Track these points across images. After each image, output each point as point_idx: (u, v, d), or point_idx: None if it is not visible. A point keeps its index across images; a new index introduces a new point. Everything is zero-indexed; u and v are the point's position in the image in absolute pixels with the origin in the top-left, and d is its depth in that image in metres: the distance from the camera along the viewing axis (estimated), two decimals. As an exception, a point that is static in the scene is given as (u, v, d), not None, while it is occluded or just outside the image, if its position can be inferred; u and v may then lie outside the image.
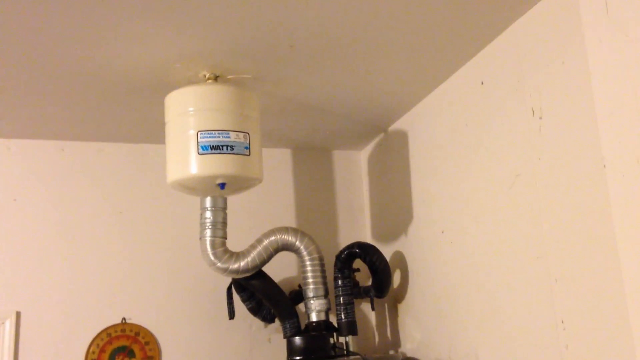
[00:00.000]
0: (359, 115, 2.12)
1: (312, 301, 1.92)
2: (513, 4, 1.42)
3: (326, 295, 1.93)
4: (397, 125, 2.19)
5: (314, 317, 1.92)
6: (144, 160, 2.23)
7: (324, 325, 1.92)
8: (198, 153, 1.60)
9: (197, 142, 1.60)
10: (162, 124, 1.73)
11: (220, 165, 1.61)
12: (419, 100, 2.01)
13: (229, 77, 1.71)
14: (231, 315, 2.04)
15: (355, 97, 1.95)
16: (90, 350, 2.04)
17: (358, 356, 1.93)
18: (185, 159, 1.61)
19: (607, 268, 1.20)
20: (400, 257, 2.14)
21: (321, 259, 1.95)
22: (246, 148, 1.64)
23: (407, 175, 2.09)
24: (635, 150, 1.13)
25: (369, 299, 2.09)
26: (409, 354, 2.08)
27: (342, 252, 2.04)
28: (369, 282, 2.10)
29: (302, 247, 1.93)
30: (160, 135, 1.77)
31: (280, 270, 2.17)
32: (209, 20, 1.41)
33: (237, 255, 1.85)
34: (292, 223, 2.34)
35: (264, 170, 1.74)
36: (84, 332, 2.05)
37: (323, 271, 1.95)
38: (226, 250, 1.82)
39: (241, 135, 1.63)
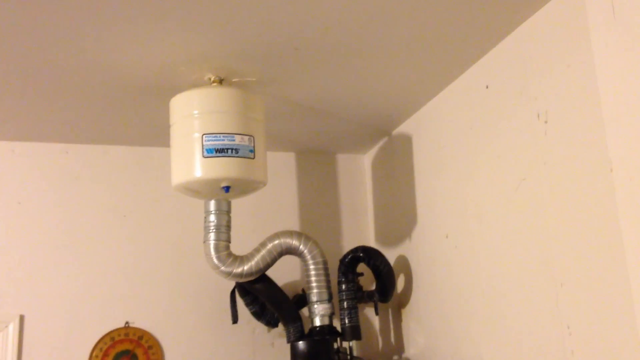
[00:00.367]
0: (363, 119, 2.11)
1: (315, 305, 1.91)
2: (518, 8, 1.42)
3: (330, 299, 1.93)
4: (402, 128, 2.18)
5: (317, 322, 1.91)
6: (148, 163, 2.23)
7: (328, 330, 1.91)
8: (203, 156, 1.59)
9: (202, 144, 1.60)
10: (166, 127, 1.73)
11: (225, 168, 1.60)
12: (423, 104, 2.00)
13: (233, 80, 1.71)
14: (234, 319, 2.03)
15: (359, 100, 1.94)
16: (94, 354, 2.04)
17: (362, 361, 1.93)
18: (190, 162, 1.61)
19: (614, 273, 1.20)
20: (404, 262, 2.14)
21: (325, 263, 1.94)
22: (251, 151, 1.64)
23: (411, 179, 2.09)
24: (642, 154, 1.12)
25: (372, 303, 2.08)
26: (412, 359, 2.07)
27: (346, 256, 2.04)
28: (373, 287, 2.09)
29: (306, 251, 1.92)
30: (165, 138, 1.77)
31: (284, 274, 2.16)
32: (214, 23, 1.41)
33: (241, 259, 1.85)
34: (295, 227, 2.33)
35: (268, 173, 1.74)
36: (87, 336, 2.05)
37: (327, 275, 1.94)
38: (230, 254, 1.82)
39: (246, 138, 1.63)
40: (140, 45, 1.50)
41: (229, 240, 1.81)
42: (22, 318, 2.01)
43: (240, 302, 2.06)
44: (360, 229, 2.42)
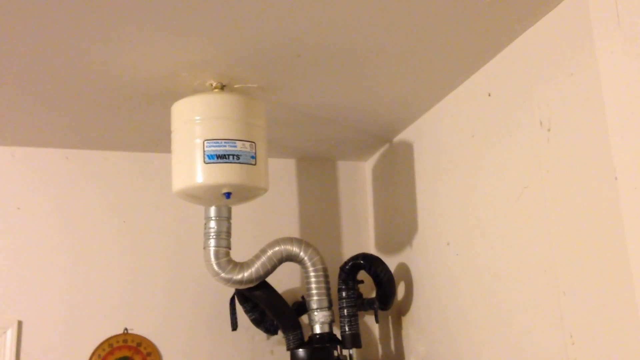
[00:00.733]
0: (365, 126, 2.11)
1: (315, 313, 1.91)
2: (522, 15, 1.42)
3: (330, 307, 1.92)
4: (403, 136, 2.18)
5: (317, 329, 1.91)
6: (148, 169, 2.23)
7: (328, 338, 1.90)
8: (204, 162, 1.59)
9: (204, 151, 1.59)
10: (167, 133, 1.72)
11: (226, 174, 1.60)
12: (425, 111, 2.00)
13: (235, 86, 1.71)
14: (234, 326, 2.02)
15: (361, 107, 1.94)
16: (92, 360, 2.03)
17: (362, 369, 1.92)
18: (191, 168, 1.61)
19: (617, 281, 1.19)
20: (404, 269, 2.13)
21: (325, 270, 1.94)
22: (252, 157, 1.63)
23: (412, 186, 2.08)
24: (646, 163, 1.12)
25: (373, 311, 2.07)
26: (413, 367, 2.07)
27: (346, 263, 2.03)
28: (373, 294, 2.09)
29: (306, 258, 1.91)
30: (166, 144, 1.77)
31: (283, 281, 2.16)
32: (215, 29, 1.41)
33: (241, 266, 1.84)
34: (296, 233, 2.33)
35: (269, 180, 1.73)
36: (85, 342, 2.04)
37: (327, 282, 1.94)
38: (230, 261, 1.81)
39: (247, 144, 1.63)
40: (142, 50, 1.50)
41: (229, 247, 1.81)
42: (20, 324, 2.00)
43: (239, 309, 2.05)
44: (360, 236, 2.42)
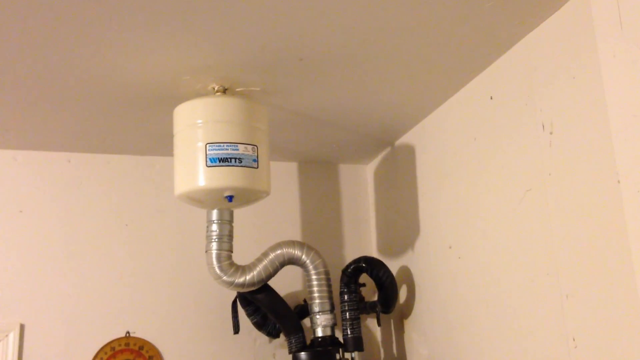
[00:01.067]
0: (366, 129, 2.11)
1: (317, 316, 1.90)
2: (524, 18, 1.42)
3: (332, 310, 1.92)
4: (405, 139, 2.18)
5: (319, 333, 1.90)
6: (150, 172, 2.23)
7: (330, 341, 1.90)
8: (206, 165, 1.59)
9: (206, 154, 1.59)
10: (169, 136, 1.72)
11: (228, 177, 1.60)
12: (426, 114, 2.00)
13: (237, 89, 1.71)
14: (236, 329, 2.02)
15: (362, 110, 1.94)
16: (94, 363, 2.03)
17: (364, 372, 1.91)
18: (193, 171, 1.61)
19: (620, 284, 1.19)
20: (406, 272, 2.13)
21: (327, 273, 1.93)
22: (254, 161, 1.63)
23: (414, 189, 2.08)
24: (649, 166, 1.12)
25: (375, 314, 2.07)
26: (415, 371, 2.06)
27: (348, 266, 2.03)
28: (375, 297, 2.08)
29: (308, 261, 1.91)
30: (168, 148, 1.77)
31: (285, 284, 2.16)
32: (218, 33, 1.41)
33: (243, 269, 1.84)
34: (298, 237, 2.33)
35: (271, 183, 1.73)
36: (87, 345, 2.03)
37: (329, 286, 1.93)
38: (232, 264, 1.81)
39: (250, 147, 1.63)
40: (144, 54, 1.50)
41: (231, 250, 1.80)
42: (22, 327, 1.99)
43: (241, 312, 2.05)
44: (362, 240, 2.41)
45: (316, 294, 1.91)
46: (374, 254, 2.37)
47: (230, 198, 1.64)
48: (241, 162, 1.61)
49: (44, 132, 2.00)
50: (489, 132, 1.66)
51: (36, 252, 2.07)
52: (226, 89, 1.69)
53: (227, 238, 1.79)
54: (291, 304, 2.08)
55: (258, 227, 2.26)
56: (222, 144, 1.60)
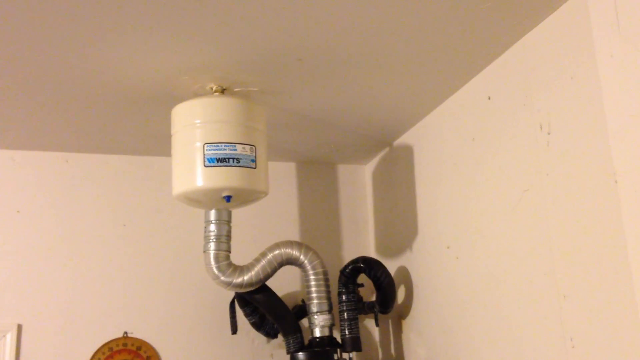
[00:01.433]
0: (365, 129, 2.11)
1: (315, 316, 1.90)
2: (522, 19, 1.42)
3: (330, 310, 1.92)
4: (403, 139, 2.18)
5: (317, 333, 1.90)
6: (148, 172, 2.23)
7: (328, 341, 1.90)
8: (204, 165, 1.59)
9: (204, 154, 1.59)
10: (167, 136, 1.72)
11: (226, 177, 1.60)
12: (425, 115, 2.00)
13: (235, 89, 1.71)
14: (234, 329, 2.02)
15: (361, 111, 1.94)
16: (91, 364, 2.03)
17: (362, 373, 1.91)
18: (191, 171, 1.61)
19: (618, 285, 1.19)
20: (404, 273, 2.13)
21: (325, 273, 1.94)
22: (252, 161, 1.63)
23: (412, 190, 2.08)
24: (646, 166, 1.12)
25: (373, 314, 2.07)
26: (413, 371, 2.06)
27: (346, 266, 2.03)
28: (373, 298, 2.08)
29: (306, 262, 1.91)
30: (166, 148, 1.77)
31: (284, 284, 2.16)
32: (216, 32, 1.41)
33: (241, 269, 1.84)
34: (296, 237, 2.33)
35: (269, 183, 1.73)
36: (85, 346, 2.03)
37: (327, 286, 1.94)
38: (230, 264, 1.81)
39: (248, 148, 1.63)
40: (142, 54, 1.50)
41: (229, 250, 1.80)
42: (19, 327, 1.99)
43: (239, 312, 2.05)
44: (360, 240, 2.41)
45: (314, 294, 1.91)
46: (372, 254, 2.37)
47: (228, 198, 1.64)
48: (239, 162, 1.61)
49: (42, 133, 1.99)
50: (487, 132, 1.67)
51: (34, 252, 2.06)
52: (224, 89, 1.69)
53: (225, 238, 1.78)
54: (289, 304, 2.08)
55: (256, 227, 2.26)
56: (220, 144, 1.60)
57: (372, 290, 2.09)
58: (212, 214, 1.77)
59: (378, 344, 2.30)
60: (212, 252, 1.78)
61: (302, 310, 2.05)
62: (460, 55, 1.58)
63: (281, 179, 2.37)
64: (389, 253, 2.27)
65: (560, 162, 1.37)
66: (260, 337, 2.16)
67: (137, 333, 2.09)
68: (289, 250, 1.90)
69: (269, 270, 1.87)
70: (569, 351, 1.32)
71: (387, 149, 2.31)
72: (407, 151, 2.13)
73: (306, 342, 1.94)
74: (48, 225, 2.10)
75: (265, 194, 1.72)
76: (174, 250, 2.19)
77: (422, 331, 2.01)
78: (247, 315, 2.05)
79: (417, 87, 1.78)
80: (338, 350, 1.94)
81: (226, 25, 1.38)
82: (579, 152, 1.31)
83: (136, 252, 2.16)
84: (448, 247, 1.85)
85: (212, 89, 1.68)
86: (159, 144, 2.07)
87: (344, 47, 1.51)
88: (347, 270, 2.01)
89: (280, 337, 2.08)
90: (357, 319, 1.99)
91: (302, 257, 1.91)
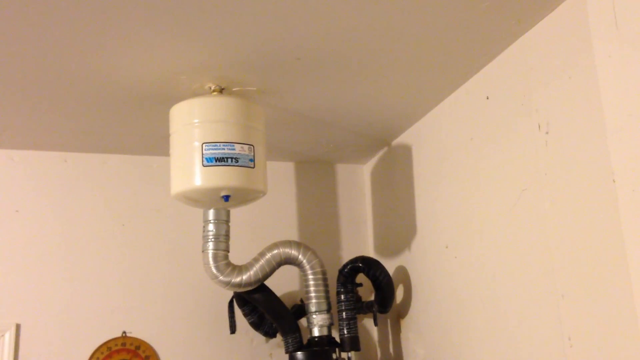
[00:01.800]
0: (363, 129, 2.11)
1: (314, 316, 1.90)
2: (520, 19, 1.42)
3: (329, 310, 1.92)
4: (401, 139, 2.18)
5: (316, 332, 1.90)
6: (147, 172, 2.23)
7: (327, 341, 1.90)
8: (203, 165, 1.59)
9: (202, 153, 1.59)
10: (166, 136, 1.72)
11: (224, 177, 1.60)
12: (423, 114, 2.00)
13: (234, 89, 1.71)
14: (232, 329, 2.02)
15: (359, 110, 1.94)
16: (90, 363, 2.02)
17: (361, 372, 1.92)
18: (189, 171, 1.61)
19: (616, 284, 1.19)
20: (403, 272, 2.13)
21: (324, 273, 1.94)
22: (251, 160, 1.63)
23: (410, 189, 2.08)
24: (644, 165, 1.12)
25: (371, 314, 2.07)
26: (412, 371, 2.06)
27: (345, 266, 2.03)
28: (372, 297, 2.08)
29: (305, 261, 1.91)
30: (164, 147, 1.77)
31: (282, 284, 2.16)
32: (215, 32, 1.41)
33: (240, 269, 1.84)
34: (294, 236, 2.33)
35: (267, 183, 1.73)
36: (84, 345, 2.03)
37: (326, 286, 1.94)
38: (229, 264, 1.81)
39: (246, 147, 1.63)
40: (141, 54, 1.50)
41: (227, 250, 1.80)
42: (18, 327, 1.99)
43: (238, 312, 2.05)
44: (359, 239, 2.42)
45: (313, 294, 1.91)
46: (371, 253, 2.37)
47: (226, 198, 1.64)
48: (237, 161, 1.61)
49: (41, 132, 1.99)
50: (485, 132, 1.67)
51: (32, 252, 2.06)
52: (223, 89, 1.69)
53: (223, 238, 1.79)
54: (288, 303, 2.08)
55: (255, 226, 2.26)
56: (218, 144, 1.60)
57: (371, 289, 2.09)
58: (211, 214, 1.77)
59: (377, 343, 2.30)
60: (210, 252, 1.78)
61: (301, 309, 2.05)
62: (458, 54, 1.58)
63: (280, 178, 2.37)
64: (388, 252, 2.27)
65: (559, 162, 1.37)
66: (259, 337, 2.16)
67: (135, 332, 2.09)
68: (287, 250, 1.90)
69: (267, 269, 1.87)
70: (567, 350, 1.32)
71: (385, 149, 2.31)
72: (406, 151, 2.13)
73: (305, 341, 1.94)
74: (47, 224, 2.10)
75: (264, 193, 1.72)
76: (173, 249, 2.19)
77: (420, 330, 2.01)
78: (245, 314, 2.05)
79: (415, 86, 1.78)
80: (337, 349, 1.94)
81: (225, 24, 1.38)
82: (577, 152, 1.31)
83: (135, 252, 2.16)
84: (447, 247, 1.86)
85: (210, 88, 1.68)
86: (158, 143, 2.07)
87: (342, 46, 1.51)
88: (346, 270, 2.01)
89: (279, 337, 2.08)
90: (355, 318, 1.99)
91: (300, 256, 1.91)
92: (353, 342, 1.96)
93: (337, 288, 2.01)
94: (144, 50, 1.48)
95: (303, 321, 2.02)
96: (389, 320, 2.22)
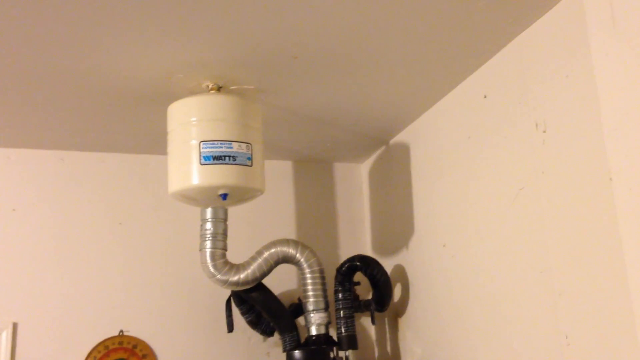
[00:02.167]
0: (361, 128, 2.11)
1: (312, 314, 1.90)
2: (517, 17, 1.42)
3: (326, 308, 1.92)
4: (399, 137, 2.18)
5: (313, 331, 1.90)
6: (144, 170, 2.23)
7: (324, 339, 1.90)
8: (200, 163, 1.59)
9: (200, 152, 1.59)
10: (163, 135, 1.72)
11: (222, 175, 1.60)
12: (421, 113, 2.01)
13: (231, 87, 1.71)
14: (230, 328, 2.02)
15: (357, 109, 1.94)
16: (87, 362, 2.02)
17: (358, 370, 1.92)
18: (187, 169, 1.60)
19: (613, 282, 1.19)
20: (401, 271, 2.13)
21: (322, 271, 1.94)
22: (248, 159, 1.63)
23: (408, 188, 2.08)
24: (641, 164, 1.12)
25: (369, 312, 2.07)
26: (409, 369, 2.07)
27: (342, 265, 2.03)
28: (370, 296, 2.09)
29: (302, 260, 1.91)
30: (162, 146, 1.76)
31: (280, 282, 2.15)
32: (212, 30, 1.41)
33: (237, 267, 1.84)
34: (292, 235, 2.33)
35: (265, 181, 1.73)
36: (81, 344, 2.03)
37: (323, 284, 1.94)
38: (226, 262, 1.81)
39: (244, 145, 1.63)
40: (138, 52, 1.49)
41: (225, 249, 1.80)
42: (15, 325, 1.99)
43: (235, 310, 2.04)
44: (357, 238, 2.42)
45: (310, 293, 1.91)
46: (369, 252, 2.37)
47: (224, 196, 1.64)
48: (235, 160, 1.61)
49: (38, 131, 1.99)
50: (482, 130, 1.67)
51: (29, 250, 2.06)
52: (220, 87, 1.69)
53: (221, 236, 1.78)
54: (285, 302, 2.08)
55: (252, 225, 2.26)
56: (216, 142, 1.60)
57: (369, 288, 2.09)
58: (208, 212, 1.77)
59: (374, 342, 2.30)
60: (208, 250, 1.77)
61: (299, 308, 2.04)
62: (455, 53, 1.59)
63: (277, 177, 2.37)
64: (385, 251, 2.27)
65: (556, 160, 1.37)
66: (256, 336, 2.16)
67: (133, 331, 2.09)
68: (285, 249, 1.90)
69: (265, 268, 1.87)
70: (564, 348, 1.32)
71: (383, 148, 2.31)
72: (404, 149, 2.13)
73: (302, 340, 1.94)
74: (44, 223, 2.09)
75: (262, 192, 1.72)
76: (170, 248, 2.19)
77: (418, 329, 2.02)
78: (243, 313, 2.05)
79: (413, 85, 1.78)
80: (334, 348, 1.94)
81: (222, 23, 1.38)
82: (574, 150, 1.31)
83: (132, 250, 2.15)
84: (444, 245, 1.86)
85: (208, 87, 1.68)
86: (155, 142, 2.07)
87: (339, 45, 1.51)
88: (344, 269, 2.02)
89: (276, 336, 2.08)
90: (353, 317, 1.99)
91: (298, 255, 1.91)
92: (351, 341, 1.96)
93: (335, 287, 2.01)
94: (140, 48, 1.48)
95: (301, 320, 2.03)
96: (386, 319, 2.23)
